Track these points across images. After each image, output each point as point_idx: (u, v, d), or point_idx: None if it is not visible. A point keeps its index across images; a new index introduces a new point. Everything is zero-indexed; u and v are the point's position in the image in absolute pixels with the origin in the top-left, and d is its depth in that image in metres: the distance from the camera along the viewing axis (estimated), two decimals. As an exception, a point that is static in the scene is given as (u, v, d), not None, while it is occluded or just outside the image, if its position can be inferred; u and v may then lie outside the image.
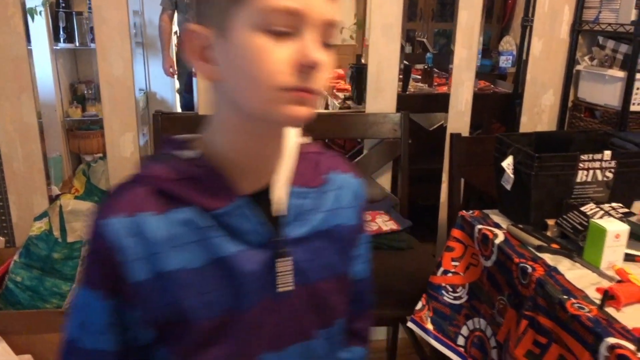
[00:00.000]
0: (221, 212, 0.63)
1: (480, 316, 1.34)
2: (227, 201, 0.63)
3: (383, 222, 1.85)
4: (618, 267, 1.10)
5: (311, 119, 0.61)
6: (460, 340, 1.39)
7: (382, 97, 2.00)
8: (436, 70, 3.41)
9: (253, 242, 0.65)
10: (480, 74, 3.63)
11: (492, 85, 3.17)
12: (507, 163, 1.31)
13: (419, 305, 1.46)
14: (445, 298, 1.42)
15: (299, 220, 0.69)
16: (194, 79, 3.05)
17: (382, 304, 1.57)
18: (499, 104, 2.52)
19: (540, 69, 2.09)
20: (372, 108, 2.01)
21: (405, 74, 2.62)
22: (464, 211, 1.42)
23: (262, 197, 0.67)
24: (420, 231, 1.90)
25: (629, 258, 1.16)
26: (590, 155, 1.26)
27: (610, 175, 1.29)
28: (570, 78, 2.09)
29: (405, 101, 2.52)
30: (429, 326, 1.43)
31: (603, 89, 1.94)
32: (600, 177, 1.29)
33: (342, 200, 0.75)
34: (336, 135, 1.95)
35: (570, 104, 2.12)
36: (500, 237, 1.28)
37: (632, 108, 1.84)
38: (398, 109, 1.99)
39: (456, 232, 1.42)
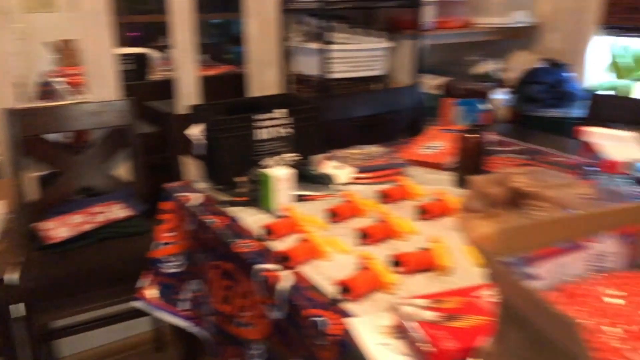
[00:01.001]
0: None
1: (196, 278, 1.42)
2: None
3: (117, 210, 1.84)
4: (285, 207, 1.26)
5: None
6: (185, 305, 1.46)
7: (105, 85, 1.98)
8: (211, 60, 3.51)
9: None
10: (234, 60, 3.80)
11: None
12: (196, 131, 1.41)
13: (143, 283, 1.49)
14: (166, 269, 1.47)
15: None
16: None
17: (125, 294, 1.58)
18: (235, 84, 2.66)
19: (258, 48, 2.26)
20: (97, 97, 1.98)
21: (140, 62, 2.62)
22: (167, 183, 1.48)
23: None
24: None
25: (299, 198, 1.34)
26: (262, 115, 1.41)
27: (288, 131, 1.46)
28: (285, 53, 2.29)
29: (145, 89, 2.54)
30: (154, 300, 1.48)
31: (309, 61, 2.17)
32: (279, 134, 1.45)
33: None
34: (58, 129, 1.89)
35: (289, 77, 2.33)
36: (195, 201, 1.38)
37: (332, 75, 2.09)
38: (134, 97, 1.99)
39: (164, 205, 1.48)
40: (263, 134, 1.43)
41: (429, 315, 0.78)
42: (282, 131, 1.46)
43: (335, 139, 1.85)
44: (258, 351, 1.12)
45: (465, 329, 0.73)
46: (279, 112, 1.44)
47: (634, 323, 0.56)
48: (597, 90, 2.42)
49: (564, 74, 2.40)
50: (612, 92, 2.44)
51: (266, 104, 1.60)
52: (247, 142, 1.42)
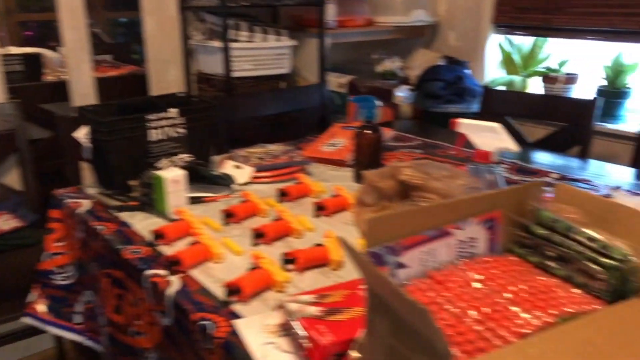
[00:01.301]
0: None
1: (88, 288, 1.35)
2: None
3: (5, 221, 1.71)
4: (179, 210, 1.22)
5: None
6: (77, 318, 1.38)
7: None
8: (115, 61, 3.34)
9: None
10: (141, 61, 3.67)
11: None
12: (82, 133, 1.33)
13: (32, 297, 1.40)
14: (56, 281, 1.39)
15: None
16: None
17: (19, 310, 1.46)
18: (138, 85, 2.56)
19: (159, 46, 2.19)
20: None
21: (32, 62, 2.46)
22: (56, 190, 1.40)
23: None
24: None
25: (196, 201, 1.30)
26: (155, 115, 1.36)
27: (182, 131, 1.42)
28: (187, 52, 2.23)
29: (39, 91, 2.40)
30: (45, 315, 1.38)
31: (211, 60, 2.12)
32: (173, 134, 1.40)
33: None
34: None
35: (193, 77, 2.27)
36: (85, 207, 1.30)
37: (235, 74, 2.06)
38: (22, 99, 1.85)
39: (53, 213, 1.39)
40: (156, 134, 1.38)
41: (313, 310, 0.77)
42: (177, 131, 1.42)
43: (241, 138, 1.82)
44: (152, 360, 1.07)
45: (344, 322, 0.73)
46: (172, 112, 1.39)
47: (488, 305, 0.59)
48: (494, 86, 2.55)
49: (462, 71, 2.51)
50: (504, 88, 2.58)
51: (161, 104, 1.54)
52: (138, 144, 1.36)
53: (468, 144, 1.04)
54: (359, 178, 1.39)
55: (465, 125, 1.03)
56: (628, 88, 2.31)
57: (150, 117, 1.36)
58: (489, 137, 0.96)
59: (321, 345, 0.68)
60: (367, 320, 0.60)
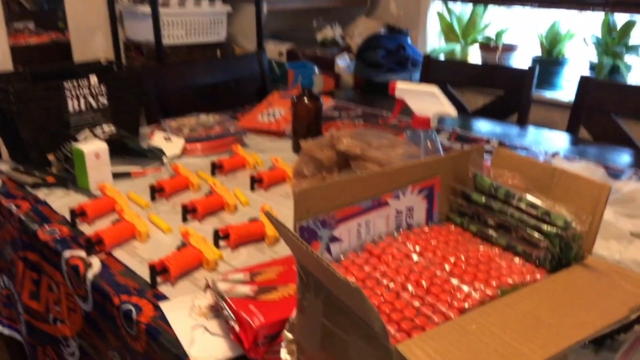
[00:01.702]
0: None
1: (3, 273, 1.24)
2: None
3: None
4: (102, 185, 1.13)
5: None
6: (-5, 306, 1.27)
7: None
8: (37, 28, 3.12)
9: None
10: (63, 29, 3.44)
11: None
12: (-12, 104, 1.20)
13: (-60, 284, 1.27)
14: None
15: None
16: None
17: None
18: (63, 53, 2.38)
19: (82, 11, 2.03)
20: None
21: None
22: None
23: None
24: None
25: (122, 175, 1.21)
26: (75, 82, 1.24)
27: (104, 100, 1.31)
28: (115, 18, 2.08)
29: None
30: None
31: (142, 26, 1.98)
32: (94, 104, 1.29)
33: None
34: None
35: (123, 45, 2.13)
36: (-5, 185, 1.19)
37: (166, 41, 1.93)
38: None
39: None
40: (76, 104, 1.26)
41: (244, 290, 0.72)
42: (99, 101, 1.31)
43: (176, 109, 1.72)
44: (75, 348, 0.99)
45: (277, 302, 0.68)
46: (91, 80, 1.28)
47: (427, 279, 0.55)
48: (436, 55, 2.53)
49: (403, 40, 2.47)
50: (443, 56, 2.57)
51: (82, 72, 1.42)
52: (55, 115, 1.24)
53: (406, 110, 1.00)
54: (297, 148, 1.33)
55: (403, 90, 0.99)
56: (564, 57, 2.34)
57: (67, 85, 1.24)
58: (427, 101, 0.92)
59: (251, 328, 0.63)
60: (300, 300, 0.56)
